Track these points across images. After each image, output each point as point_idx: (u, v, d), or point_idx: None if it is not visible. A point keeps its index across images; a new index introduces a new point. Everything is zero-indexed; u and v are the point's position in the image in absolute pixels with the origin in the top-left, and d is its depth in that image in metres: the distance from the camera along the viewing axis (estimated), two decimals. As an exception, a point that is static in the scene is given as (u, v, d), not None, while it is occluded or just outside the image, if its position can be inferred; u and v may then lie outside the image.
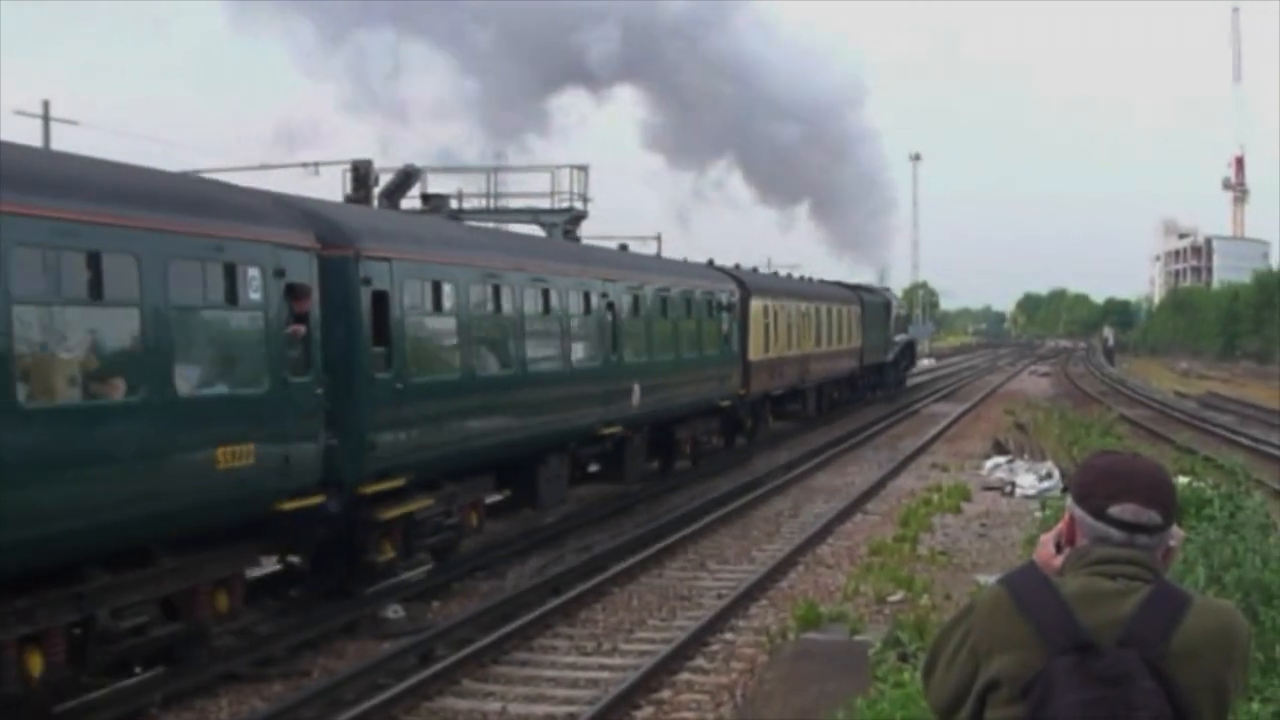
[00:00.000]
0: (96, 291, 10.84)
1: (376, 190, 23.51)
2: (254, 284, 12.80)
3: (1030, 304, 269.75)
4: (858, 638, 13.31)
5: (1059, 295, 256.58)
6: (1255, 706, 7.91)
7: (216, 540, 12.57)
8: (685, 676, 12.76)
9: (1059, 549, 3.22)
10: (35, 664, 10.31)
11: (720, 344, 29.64)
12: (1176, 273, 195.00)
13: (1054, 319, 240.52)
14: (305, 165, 31.55)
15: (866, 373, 49.95)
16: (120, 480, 11.08)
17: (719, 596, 16.08)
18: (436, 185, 29.47)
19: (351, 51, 43.87)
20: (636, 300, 24.59)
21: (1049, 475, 26.34)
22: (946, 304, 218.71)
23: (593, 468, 23.63)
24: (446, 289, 16.92)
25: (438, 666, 12.62)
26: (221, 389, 12.60)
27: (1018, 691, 2.98)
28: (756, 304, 33.14)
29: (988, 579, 16.53)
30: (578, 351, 21.42)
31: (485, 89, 45.09)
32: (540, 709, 11.85)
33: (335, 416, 14.07)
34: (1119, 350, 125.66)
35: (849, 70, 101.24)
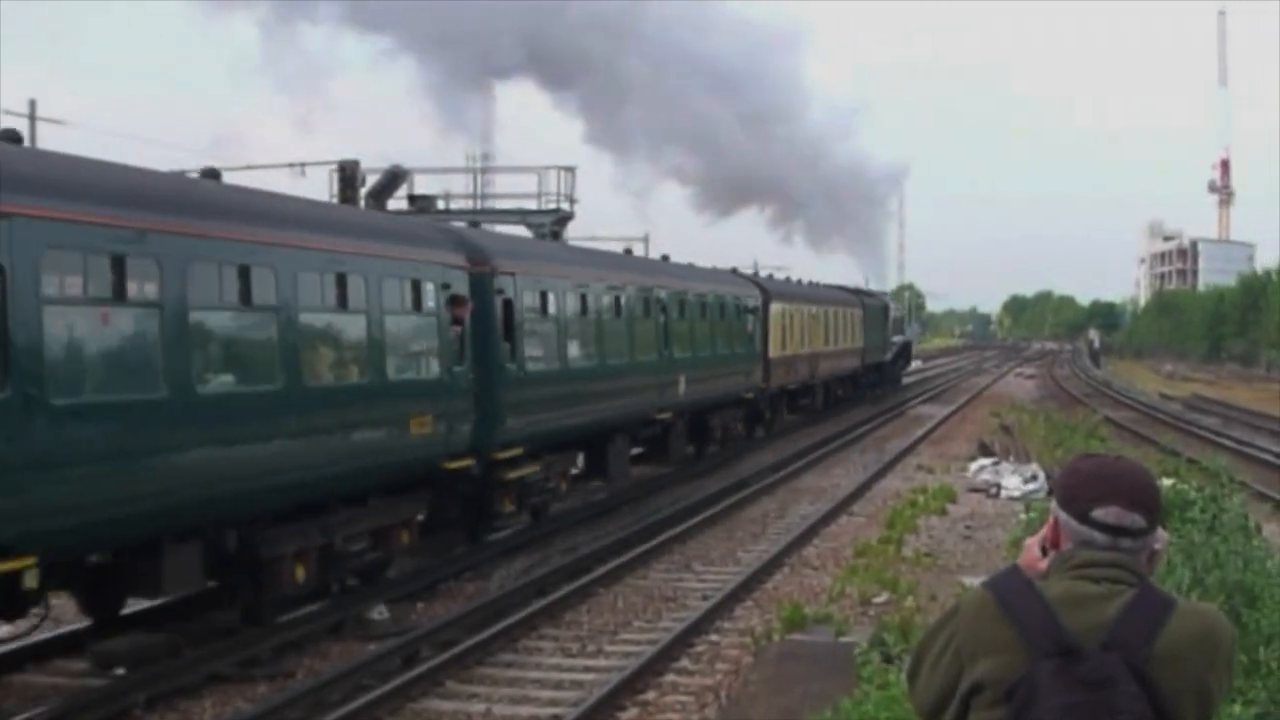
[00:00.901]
0: (343, 303, 14.88)
1: (363, 190, 23.50)
2: (430, 295, 16.82)
3: (1016, 306, 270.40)
4: (843, 639, 13.32)
5: (1045, 297, 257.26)
6: (1237, 709, 7.93)
7: (402, 490, 16.53)
8: (670, 678, 12.77)
9: (1044, 552, 3.23)
10: (300, 572, 14.23)
11: (746, 343, 33.53)
12: (1162, 275, 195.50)
13: (1040, 321, 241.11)
14: (292, 165, 31.48)
15: (867, 371, 53.41)
16: (358, 440, 15.03)
17: (704, 598, 16.09)
18: (423, 186, 29.48)
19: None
20: (681, 304, 28.37)
21: (1034, 477, 26.39)
22: (932, 306, 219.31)
23: (634, 451, 26.63)
24: (550, 296, 20.90)
25: (422, 668, 12.61)
26: (411, 375, 16.70)
27: (1001, 695, 2.99)
28: (775, 307, 36.87)
29: (973, 581, 16.56)
30: (640, 348, 25.22)
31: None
32: (525, 710, 11.85)
33: (478, 398, 17.83)
34: (1104, 352, 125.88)
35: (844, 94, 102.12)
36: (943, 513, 23.09)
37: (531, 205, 33.21)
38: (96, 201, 11.23)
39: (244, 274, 12.91)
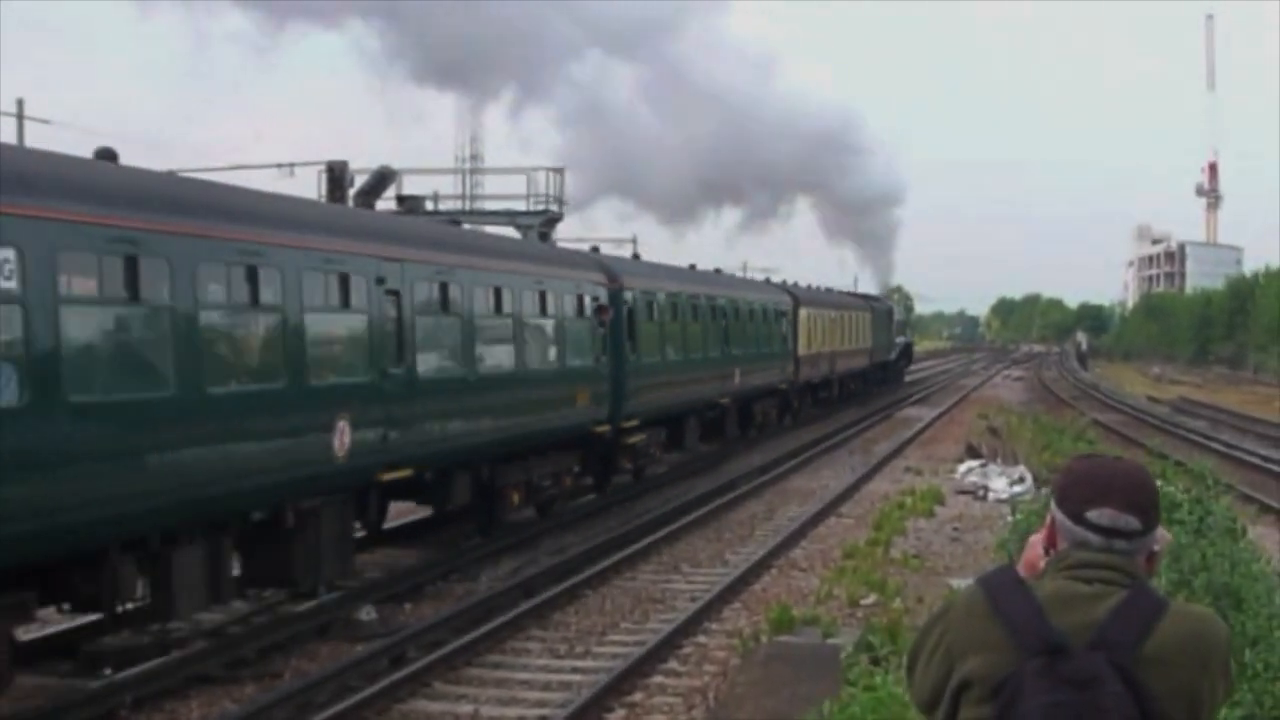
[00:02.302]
0: (544, 310, 21.32)
1: (351, 191, 23.46)
2: (587, 305, 23.13)
3: (1004, 308, 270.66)
4: (830, 641, 13.34)
5: (1033, 300, 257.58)
6: (1223, 711, 7.95)
7: (566, 446, 22.45)
8: (658, 679, 12.77)
9: (1047, 552, 3.24)
10: (516, 498, 20.41)
11: (781, 342, 39.51)
12: (1150, 278, 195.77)
13: (1028, 323, 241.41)
14: (280, 166, 31.45)
15: (875, 368, 59.27)
16: (548, 408, 21.12)
17: (692, 599, 16.09)
18: (412, 186, 29.46)
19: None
20: (736, 310, 34.33)
21: (1022, 479, 26.44)
22: (921, 308, 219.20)
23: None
24: (654, 306, 27.38)
25: (410, 669, 12.60)
26: (579, 363, 22.65)
27: (988, 692, 3.00)
28: (804, 312, 42.70)
29: (960, 582, 16.58)
30: (710, 345, 31.29)
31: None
32: (513, 711, 11.85)
33: (612, 381, 23.90)
34: (1092, 355, 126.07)
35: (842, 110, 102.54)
36: (931, 515, 23.12)
37: (520, 206, 33.24)
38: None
39: (497, 292, 19.41)
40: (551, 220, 33.16)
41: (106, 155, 12.59)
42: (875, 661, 11.69)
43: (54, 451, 10.55)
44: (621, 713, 11.76)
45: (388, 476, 16.02)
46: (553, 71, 46.27)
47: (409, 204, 24.52)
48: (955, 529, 21.78)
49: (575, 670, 13.15)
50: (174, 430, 12.06)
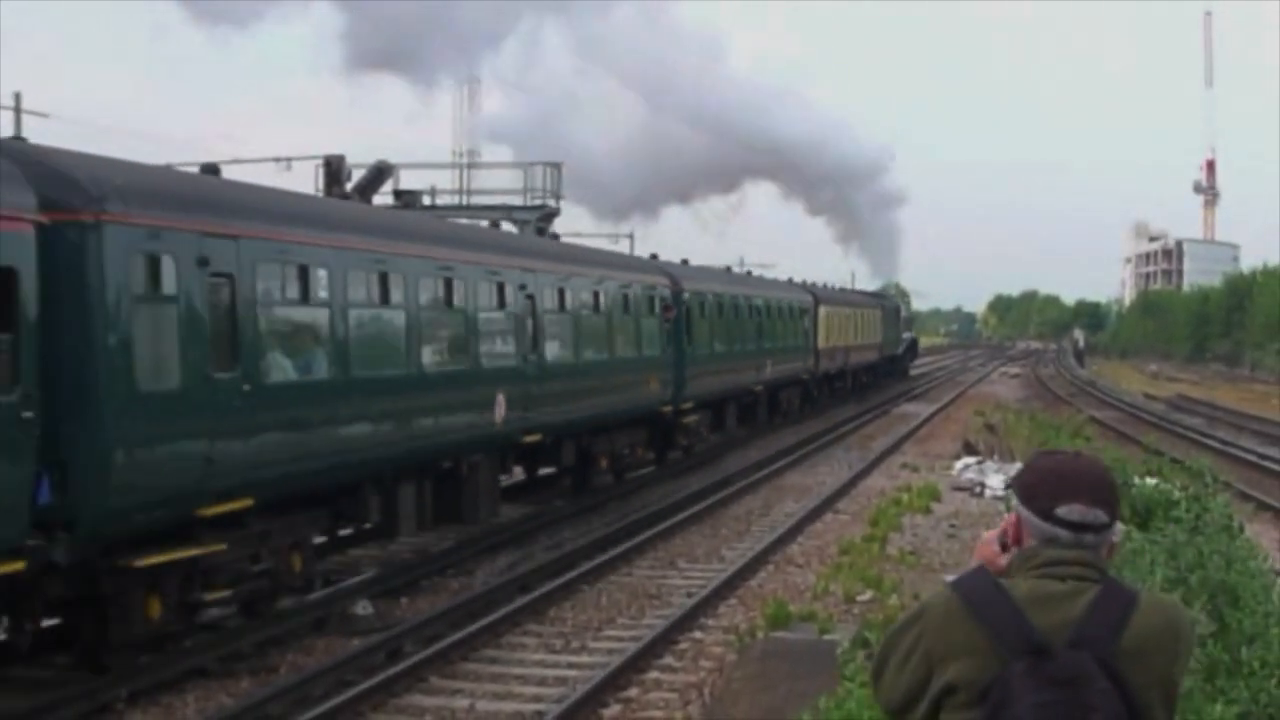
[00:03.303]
0: (627, 309, 25.76)
1: (349, 186, 23.45)
2: (656, 305, 27.54)
3: (1001, 305, 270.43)
4: (826, 637, 13.34)
5: (1030, 297, 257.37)
6: (1219, 708, 7.94)
7: (637, 422, 26.42)
8: (654, 675, 12.78)
9: (1004, 548, 3.24)
10: (604, 463, 24.92)
11: (803, 337, 43.67)
12: (1147, 275, 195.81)
13: (1025, 320, 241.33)
14: (277, 160, 31.44)
15: (884, 361, 63.16)
16: (629, 390, 25.22)
17: (688, 595, 16.10)
18: (409, 181, 29.40)
19: None
20: (767, 307, 38.72)
21: (1018, 476, 26.43)
22: (917, 304, 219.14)
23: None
24: (706, 304, 31.78)
25: (406, 663, 12.61)
26: (651, 353, 26.86)
27: (974, 696, 3.00)
28: (823, 309, 46.87)
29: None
30: (748, 339, 35.76)
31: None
32: (508, 706, 11.84)
33: (673, 369, 28.00)
34: (1089, 352, 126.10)
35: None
36: (927, 511, 23.13)
37: (517, 201, 33.19)
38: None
39: (595, 295, 23.93)
40: (548, 215, 33.11)
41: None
42: (871, 658, 11.68)
43: (344, 413, 14.95)
44: (617, 708, 11.76)
45: (526, 439, 20.44)
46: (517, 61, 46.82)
47: (406, 198, 24.49)
48: (951, 526, 21.79)
49: (571, 665, 13.15)
50: (409, 399, 16.56)
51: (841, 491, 25.69)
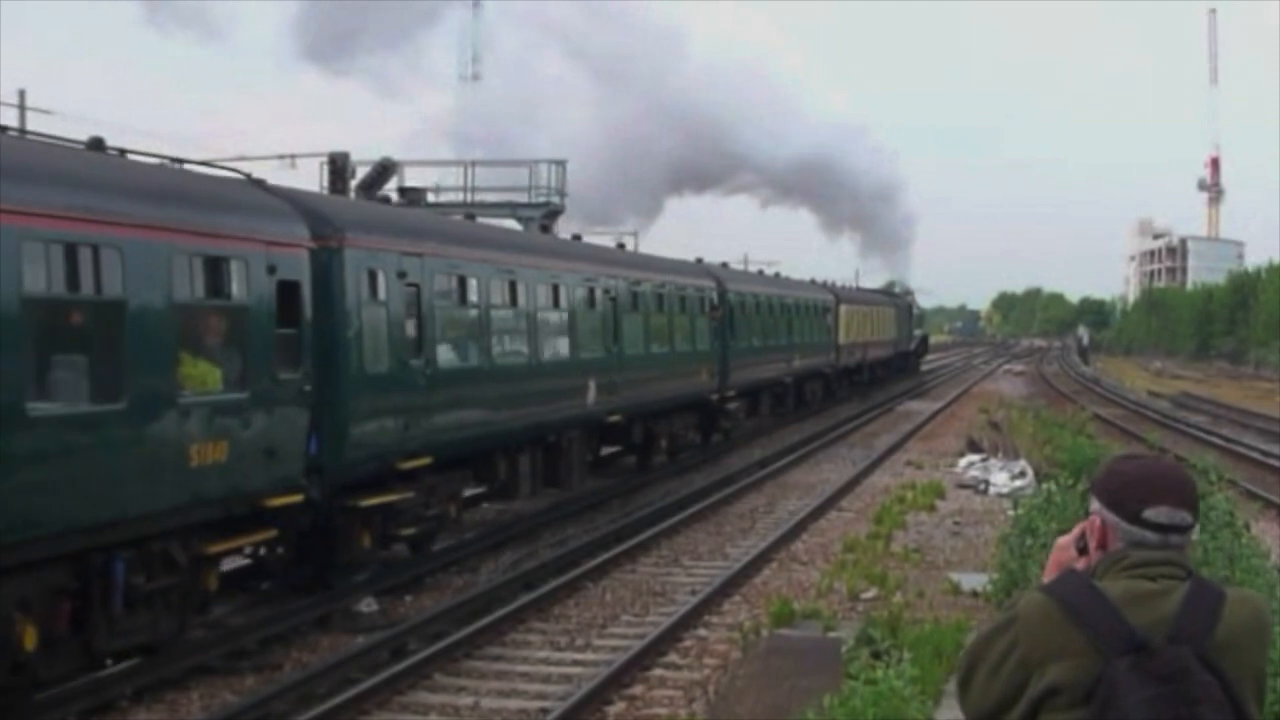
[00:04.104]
0: (684, 308, 29.19)
1: (354, 183, 23.48)
2: (705, 305, 31.28)
3: (1005, 303, 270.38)
4: (831, 634, 13.33)
5: (1034, 294, 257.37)
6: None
7: (687, 408, 29.86)
8: (658, 672, 12.78)
9: (1081, 552, 3.32)
10: (664, 442, 28.26)
11: (825, 333, 47.15)
12: (1151, 273, 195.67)
13: (1029, 318, 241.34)
14: (282, 157, 31.46)
15: (897, 357, 66.24)
16: (681, 381, 28.56)
17: (692, 592, 16.10)
18: (414, 178, 29.45)
19: None
20: (796, 306, 42.46)
21: (1022, 474, 26.42)
22: (922, 302, 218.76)
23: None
24: (745, 303, 35.40)
25: (410, 661, 12.61)
26: (702, 346, 30.60)
27: (1079, 697, 3.06)
28: (843, 308, 50.24)
29: (960, 577, 16.60)
30: (779, 334, 39.28)
31: None
32: (513, 704, 11.85)
33: (720, 361, 31.74)
34: (1093, 350, 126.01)
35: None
36: (931, 509, 23.12)
37: (522, 199, 33.21)
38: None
39: (659, 296, 27.91)
40: (553, 213, 33.16)
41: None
42: (876, 655, 11.68)
43: (488, 393, 18.69)
44: (621, 705, 11.76)
45: (610, 420, 24.06)
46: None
47: (410, 195, 24.51)
48: (956, 523, 21.78)
49: (575, 663, 13.16)
50: (529, 383, 20.19)
51: (845, 489, 25.66)
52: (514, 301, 19.98)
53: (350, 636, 14.07)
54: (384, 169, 24.53)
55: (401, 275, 16.16)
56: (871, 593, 15.83)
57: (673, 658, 13.33)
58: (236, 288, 13.04)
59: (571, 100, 60.82)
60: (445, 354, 17.66)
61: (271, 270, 13.40)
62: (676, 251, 33.63)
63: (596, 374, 22.93)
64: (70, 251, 10.83)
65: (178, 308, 11.97)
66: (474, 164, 34.70)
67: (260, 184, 14.73)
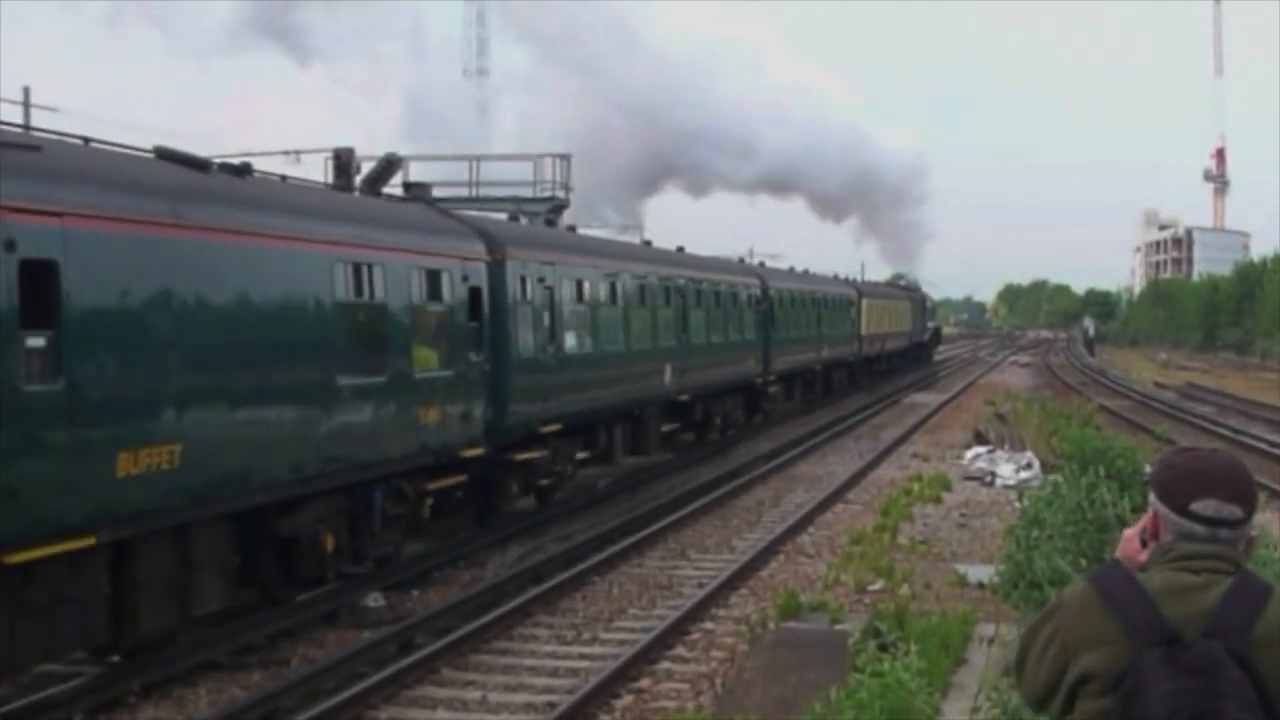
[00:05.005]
0: (728, 302, 33.23)
1: (358, 178, 23.44)
2: (751, 299, 35.17)
3: (1011, 294, 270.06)
4: (838, 627, 13.34)
5: (1040, 286, 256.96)
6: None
7: (735, 392, 33.92)
8: (665, 665, 12.79)
9: (1144, 543, 3.35)
10: (716, 423, 32.63)
11: (849, 326, 51.41)
12: (1157, 264, 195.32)
13: (1035, 310, 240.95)
14: (287, 153, 31.42)
15: (913, 347, 70.90)
16: (730, 367, 32.57)
17: (699, 585, 16.10)
18: (418, 173, 29.40)
19: None
20: (825, 299, 46.51)
21: (1029, 465, 26.41)
22: (928, 294, 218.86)
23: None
24: (783, 297, 39.55)
25: (417, 655, 12.62)
26: (750, 337, 34.71)
27: (1108, 685, 3.09)
28: (865, 301, 54.33)
29: (967, 568, 16.59)
30: (810, 326, 43.48)
31: None
32: (520, 698, 11.86)
33: (762, 350, 35.71)
34: (1099, 341, 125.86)
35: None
36: (938, 501, 23.11)
37: (527, 193, 33.19)
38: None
39: (716, 294, 32.03)
40: (558, 207, 33.12)
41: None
42: (883, 647, 11.68)
43: (595, 375, 22.72)
44: (629, 699, 11.77)
45: (680, 399, 28.25)
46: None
47: (415, 191, 24.49)
48: (962, 515, 21.77)
49: (583, 657, 13.17)
50: (623, 367, 24.11)
51: (852, 481, 25.67)
52: (614, 299, 24.24)
53: (357, 632, 14.09)
54: (388, 164, 24.43)
55: (541, 280, 20.47)
56: (878, 585, 15.83)
57: (680, 651, 13.34)
58: (446, 292, 17.37)
59: (551, 92, 60.56)
60: (569, 342, 21.85)
61: (465, 279, 17.86)
62: (673, 246, 33.72)
63: (671, 360, 27.13)
64: (357, 270, 15.05)
65: (413, 308, 16.38)
66: (479, 159, 34.68)
67: (438, 208, 20.13)
